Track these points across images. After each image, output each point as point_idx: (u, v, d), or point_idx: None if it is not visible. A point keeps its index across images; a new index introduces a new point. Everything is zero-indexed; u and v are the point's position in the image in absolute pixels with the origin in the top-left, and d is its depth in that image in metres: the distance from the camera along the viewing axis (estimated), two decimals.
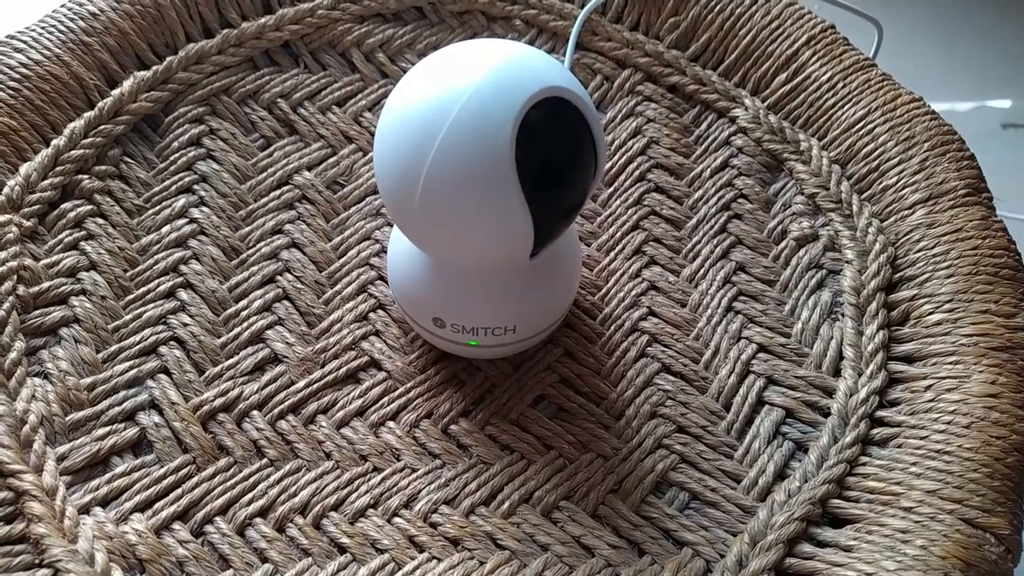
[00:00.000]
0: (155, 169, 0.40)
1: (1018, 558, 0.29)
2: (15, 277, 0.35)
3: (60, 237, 0.37)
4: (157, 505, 0.32)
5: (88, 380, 0.34)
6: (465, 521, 0.32)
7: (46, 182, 0.38)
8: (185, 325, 0.36)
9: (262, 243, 0.39)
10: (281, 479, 0.33)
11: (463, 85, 0.27)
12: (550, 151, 0.28)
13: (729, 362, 0.36)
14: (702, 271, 0.39)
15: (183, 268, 0.37)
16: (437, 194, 0.28)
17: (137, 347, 0.35)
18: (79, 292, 0.36)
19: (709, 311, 0.37)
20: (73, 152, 0.39)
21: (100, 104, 0.40)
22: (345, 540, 0.31)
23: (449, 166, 0.27)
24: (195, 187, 0.40)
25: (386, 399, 0.35)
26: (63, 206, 0.38)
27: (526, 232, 0.28)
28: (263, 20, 0.44)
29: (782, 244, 0.39)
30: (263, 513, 0.32)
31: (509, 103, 0.27)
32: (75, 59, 0.40)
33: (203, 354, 0.35)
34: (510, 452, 0.34)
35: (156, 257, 0.38)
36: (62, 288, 0.36)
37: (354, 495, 0.32)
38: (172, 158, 0.40)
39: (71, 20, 0.41)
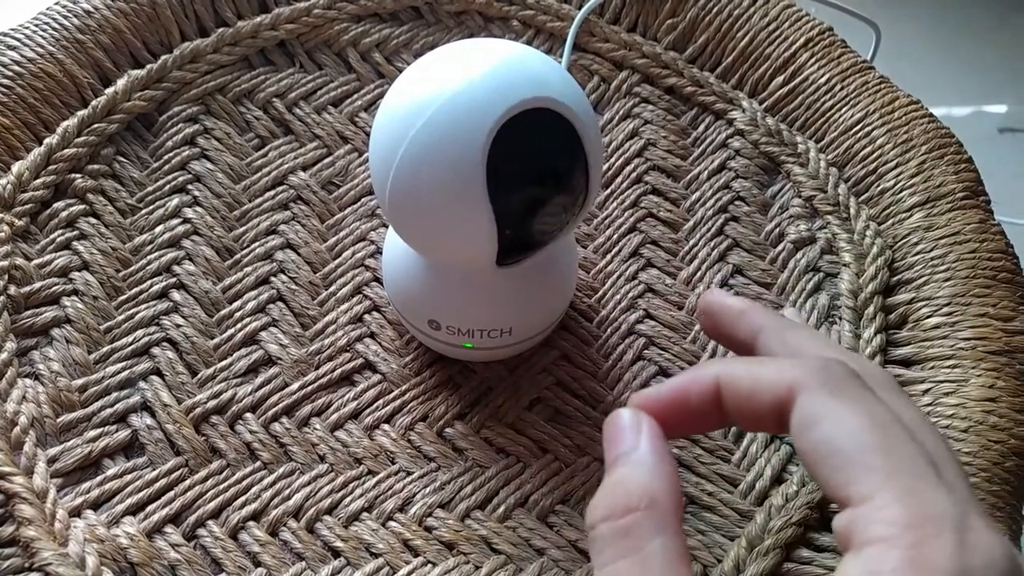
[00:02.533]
0: (149, 168, 0.40)
1: None
2: (6, 277, 0.35)
3: (52, 236, 0.37)
4: (149, 508, 0.31)
5: (80, 381, 0.34)
6: (460, 525, 0.32)
7: (38, 181, 0.37)
8: (178, 326, 0.36)
9: (256, 244, 0.38)
10: (274, 482, 0.32)
11: (441, 88, 0.26)
12: (527, 166, 0.27)
13: None
14: (699, 274, 0.38)
15: (176, 268, 0.37)
16: (402, 194, 0.28)
17: (129, 348, 0.35)
18: (71, 292, 0.36)
19: None
20: (66, 151, 0.38)
21: (94, 102, 0.39)
22: (339, 544, 0.31)
23: (415, 168, 0.27)
24: (189, 187, 0.39)
25: (381, 402, 0.34)
26: (55, 205, 0.38)
27: (488, 242, 0.28)
28: (259, 19, 0.43)
29: (779, 247, 0.39)
30: (256, 516, 0.32)
31: (488, 109, 0.26)
32: (69, 57, 0.40)
33: (196, 355, 0.35)
34: (506, 455, 0.33)
35: (149, 257, 0.37)
36: (54, 288, 0.36)
37: (348, 498, 0.32)
38: (166, 157, 0.40)
39: (65, 18, 0.40)
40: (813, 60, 0.42)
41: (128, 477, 0.32)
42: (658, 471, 0.20)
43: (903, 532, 0.16)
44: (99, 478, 0.32)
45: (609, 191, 0.41)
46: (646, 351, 0.36)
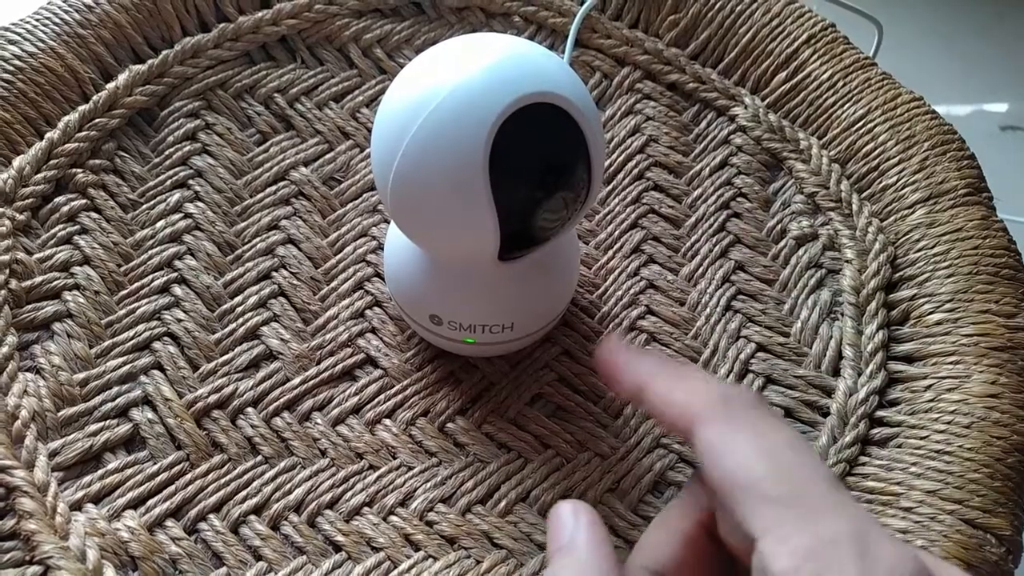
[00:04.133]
0: (150, 163, 0.40)
1: (1019, 559, 0.29)
2: (7, 271, 0.35)
3: (53, 231, 0.37)
4: (150, 502, 0.31)
5: (81, 375, 0.34)
6: (461, 520, 0.32)
7: (39, 175, 0.37)
8: (179, 321, 0.35)
9: (257, 239, 0.38)
10: (276, 476, 0.32)
11: (444, 83, 0.26)
12: (530, 161, 0.27)
13: (728, 361, 0.36)
14: (701, 270, 0.38)
15: (178, 263, 0.37)
16: (404, 189, 0.27)
17: (131, 342, 0.35)
18: (72, 287, 0.36)
19: (708, 310, 0.37)
20: (67, 145, 0.38)
21: (95, 97, 0.39)
22: (340, 538, 0.31)
23: (418, 163, 0.27)
24: (190, 182, 0.39)
25: (382, 396, 0.34)
26: (56, 200, 0.37)
27: (491, 237, 0.28)
28: (260, 14, 0.43)
29: (781, 243, 0.39)
30: (257, 510, 0.32)
31: (491, 104, 0.26)
32: (70, 52, 0.40)
33: (197, 350, 0.35)
34: (507, 451, 0.33)
35: (150, 252, 0.37)
36: (55, 283, 0.36)
37: (349, 493, 0.32)
38: (167, 152, 0.40)
39: (66, 12, 0.40)
40: (815, 56, 0.42)
41: (129, 471, 0.32)
42: (588, 565, 0.20)
43: (805, 561, 0.16)
44: (100, 472, 0.32)
45: (611, 187, 0.41)
46: (648, 347, 0.36)
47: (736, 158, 0.42)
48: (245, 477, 0.32)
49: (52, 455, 0.32)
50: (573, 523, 0.21)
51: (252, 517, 0.31)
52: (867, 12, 0.47)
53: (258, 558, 0.31)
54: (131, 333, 0.35)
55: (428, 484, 0.32)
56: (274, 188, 0.40)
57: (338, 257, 0.38)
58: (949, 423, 0.31)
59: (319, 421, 0.34)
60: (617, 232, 0.39)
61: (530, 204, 0.28)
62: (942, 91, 0.81)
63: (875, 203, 0.39)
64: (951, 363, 0.33)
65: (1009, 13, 0.86)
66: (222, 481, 0.32)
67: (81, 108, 0.39)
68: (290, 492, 0.32)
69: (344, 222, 0.39)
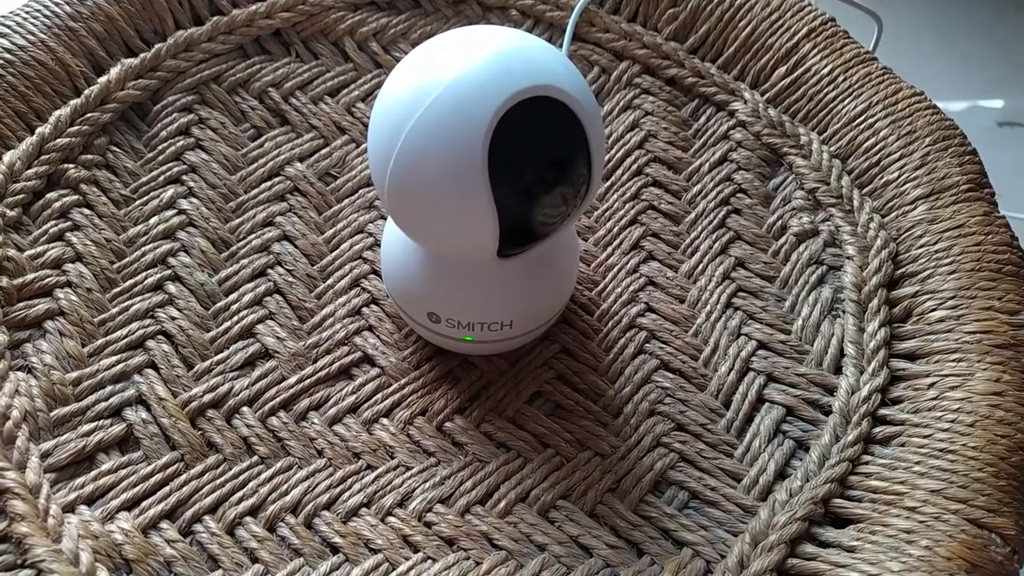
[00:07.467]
0: (143, 159, 0.39)
1: (1023, 559, 0.29)
2: None
3: (45, 228, 0.36)
4: (144, 504, 0.31)
5: (73, 375, 0.33)
6: (460, 520, 0.31)
7: (31, 171, 0.37)
8: (173, 319, 0.35)
9: (252, 235, 0.38)
10: (272, 477, 0.32)
11: (443, 75, 0.26)
12: (530, 156, 0.27)
13: (729, 359, 0.35)
14: (701, 267, 0.38)
15: (171, 260, 0.37)
16: (402, 184, 0.27)
17: (124, 341, 0.34)
18: (64, 284, 0.35)
19: (708, 307, 0.37)
20: (58, 140, 0.38)
21: (86, 91, 0.39)
22: (337, 540, 0.31)
23: (415, 157, 0.26)
24: (184, 177, 0.39)
25: (379, 395, 0.34)
26: (48, 196, 0.37)
27: (490, 233, 0.27)
28: (254, 7, 0.43)
29: (782, 239, 0.39)
30: (253, 512, 0.31)
31: (490, 97, 0.25)
32: (61, 45, 0.39)
33: (192, 348, 0.34)
34: (506, 450, 0.33)
35: (143, 249, 0.37)
36: (47, 280, 0.35)
37: (347, 494, 0.32)
38: (160, 147, 0.39)
39: (57, 5, 0.40)
40: (815, 51, 0.42)
41: (123, 472, 0.31)
42: None
43: None
44: (93, 473, 0.31)
45: (610, 183, 0.40)
46: (647, 345, 0.36)
47: (736, 153, 0.41)
48: (241, 478, 0.32)
49: (44, 456, 0.31)
50: None
51: (248, 519, 0.31)
52: (867, 7, 0.46)
53: (254, 560, 0.30)
54: (124, 331, 0.34)
55: (426, 484, 0.32)
56: (269, 184, 0.39)
57: (334, 254, 0.38)
58: (952, 421, 0.31)
59: (316, 420, 0.33)
60: (616, 228, 0.39)
61: (530, 199, 0.27)
62: (940, 87, 0.81)
63: (876, 199, 0.38)
64: (954, 360, 0.33)
65: (1007, 10, 0.86)
66: (217, 482, 0.32)
67: (72, 102, 0.38)
68: (287, 493, 0.31)
69: (340, 218, 0.39)
